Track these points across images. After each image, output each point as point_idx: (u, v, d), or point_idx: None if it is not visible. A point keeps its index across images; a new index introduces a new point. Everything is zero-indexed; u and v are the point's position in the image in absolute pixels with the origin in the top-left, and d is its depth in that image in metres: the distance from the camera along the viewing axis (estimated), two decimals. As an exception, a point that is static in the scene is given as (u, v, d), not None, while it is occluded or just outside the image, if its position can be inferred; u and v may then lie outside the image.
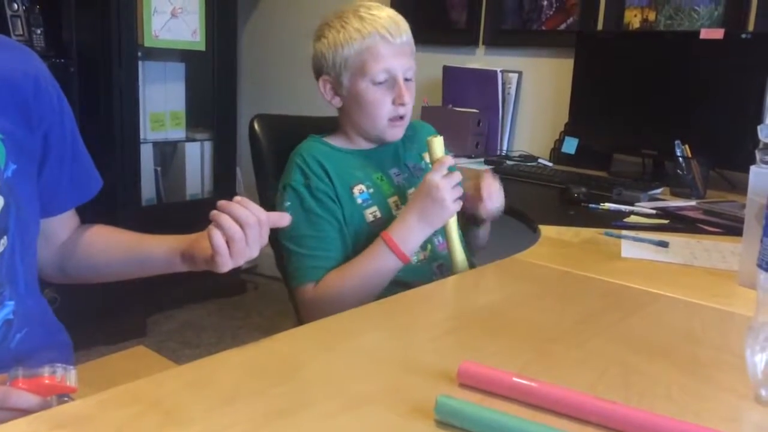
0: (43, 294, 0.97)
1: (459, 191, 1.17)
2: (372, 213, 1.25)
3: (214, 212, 0.82)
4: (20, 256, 0.88)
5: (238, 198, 0.83)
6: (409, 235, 1.17)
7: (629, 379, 0.70)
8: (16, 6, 2.44)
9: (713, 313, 0.93)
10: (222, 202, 0.82)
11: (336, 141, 1.32)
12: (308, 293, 1.19)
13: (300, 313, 1.23)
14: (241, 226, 0.81)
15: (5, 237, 0.85)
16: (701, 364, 0.75)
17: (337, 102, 1.30)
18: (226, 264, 0.82)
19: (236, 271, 3.36)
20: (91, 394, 0.62)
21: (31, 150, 0.90)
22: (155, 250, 0.96)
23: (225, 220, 0.80)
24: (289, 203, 1.22)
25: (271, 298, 3.25)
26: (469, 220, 1.34)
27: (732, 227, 1.37)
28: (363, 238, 1.22)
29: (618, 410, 0.60)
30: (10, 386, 0.71)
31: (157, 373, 0.66)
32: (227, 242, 0.81)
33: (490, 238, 1.49)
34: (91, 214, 1.05)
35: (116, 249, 1.01)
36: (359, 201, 1.25)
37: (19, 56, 0.92)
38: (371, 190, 1.27)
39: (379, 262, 1.16)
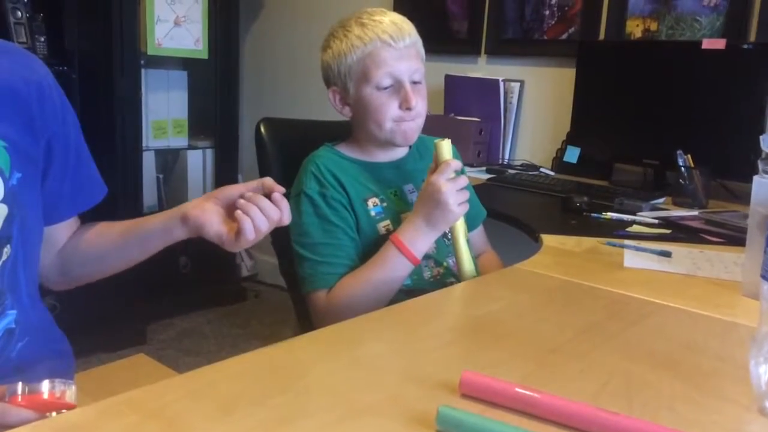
0: (43, 302, 0.97)
1: (465, 195, 1.16)
2: (385, 226, 1.25)
3: (242, 202, 0.88)
4: (23, 264, 0.88)
5: (277, 197, 0.89)
6: (417, 236, 1.16)
7: (632, 390, 0.69)
8: (19, 14, 2.45)
9: (716, 323, 0.92)
10: (251, 195, 0.89)
11: (350, 151, 1.31)
12: (321, 300, 1.19)
13: (313, 320, 1.23)
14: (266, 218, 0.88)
15: (8, 245, 0.85)
16: (704, 375, 0.75)
17: (348, 112, 1.29)
18: (243, 246, 0.89)
19: (237, 279, 3.39)
20: (90, 403, 0.61)
21: (35, 158, 0.90)
22: (151, 224, 0.96)
23: (256, 213, 0.87)
24: (303, 211, 1.21)
25: (271, 306, 3.24)
26: None
27: (735, 237, 1.36)
28: (375, 250, 1.21)
29: (620, 421, 0.59)
30: (8, 402, 0.70)
31: (157, 382, 0.65)
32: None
33: (493, 247, 1.48)
34: (92, 220, 1.05)
35: (114, 236, 1.00)
36: (372, 213, 1.24)
37: (22, 62, 0.91)
38: (385, 204, 1.26)
39: (389, 264, 1.16)
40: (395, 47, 1.21)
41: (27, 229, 0.87)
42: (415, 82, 1.24)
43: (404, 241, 1.15)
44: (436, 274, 1.27)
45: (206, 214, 0.90)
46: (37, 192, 0.91)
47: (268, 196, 0.89)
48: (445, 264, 1.28)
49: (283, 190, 0.91)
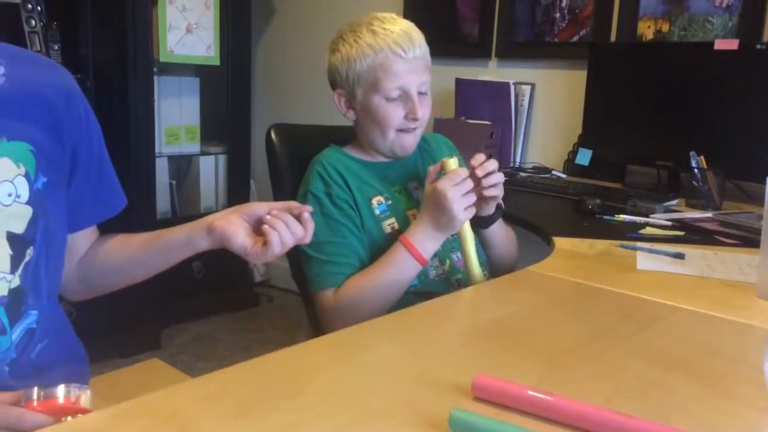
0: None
1: (470, 199, 1.16)
2: (390, 225, 1.25)
3: (270, 217, 0.92)
4: (45, 267, 0.89)
5: (306, 216, 0.94)
6: (426, 239, 1.18)
7: (645, 392, 0.69)
8: (33, 22, 2.48)
9: (731, 325, 0.92)
10: (279, 214, 0.93)
11: (355, 152, 1.33)
12: (328, 299, 1.19)
13: (320, 319, 1.23)
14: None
15: (32, 247, 0.86)
16: (718, 377, 0.74)
17: (352, 115, 1.31)
18: (267, 259, 0.93)
19: (250, 284, 3.39)
20: (105, 407, 0.62)
21: (60, 163, 0.92)
22: (174, 235, 0.98)
23: (283, 228, 0.92)
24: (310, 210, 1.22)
25: (284, 310, 3.25)
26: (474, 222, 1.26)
27: (749, 239, 1.35)
28: (381, 249, 1.22)
29: (634, 424, 0.59)
30: (24, 406, 0.71)
31: (170, 386, 0.66)
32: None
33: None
34: (106, 226, 1.06)
35: (135, 247, 1.02)
36: (377, 212, 1.25)
37: (51, 71, 0.95)
38: (390, 202, 1.27)
39: (398, 265, 1.17)
40: (406, 58, 1.23)
41: (50, 233, 0.89)
42: (421, 93, 1.26)
43: (413, 242, 1.16)
44: (441, 273, 1.27)
45: (232, 225, 0.93)
46: (62, 197, 0.93)
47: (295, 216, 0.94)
48: (448, 261, 1.29)
49: (311, 209, 0.96)
